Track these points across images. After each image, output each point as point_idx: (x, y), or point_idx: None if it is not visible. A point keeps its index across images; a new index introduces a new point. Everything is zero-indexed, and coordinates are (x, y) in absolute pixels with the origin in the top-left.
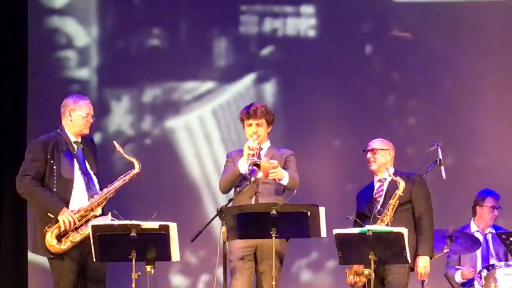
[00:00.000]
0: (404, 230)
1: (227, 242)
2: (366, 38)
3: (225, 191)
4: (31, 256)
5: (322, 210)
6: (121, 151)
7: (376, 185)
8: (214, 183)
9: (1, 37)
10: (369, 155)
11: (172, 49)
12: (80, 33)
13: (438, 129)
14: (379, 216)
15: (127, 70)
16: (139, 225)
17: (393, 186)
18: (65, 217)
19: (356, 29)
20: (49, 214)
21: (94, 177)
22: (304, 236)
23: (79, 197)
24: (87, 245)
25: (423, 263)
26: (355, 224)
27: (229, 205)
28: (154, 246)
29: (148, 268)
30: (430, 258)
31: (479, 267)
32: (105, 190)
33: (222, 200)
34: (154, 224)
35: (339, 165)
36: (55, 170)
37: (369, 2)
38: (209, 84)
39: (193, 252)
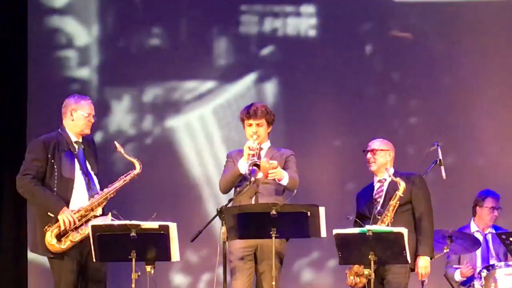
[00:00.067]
0: (404, 230)
1: (227, 242)
2: (366, 38)
3: (225, 191)
4: (31, 255)
5: (322, 210)
6: (122, 151)
7: (376, 185)
8: (215, 183)
9: (1, 37)
10: (369, 155)
11: (172, 49)
12: (81, 32)
13: (438, 129)
14: (379, 217)
15: (128, 70)
16: (139, 225)
17: (393, 186)
18: (65, 217)
19: (356, 29)
20: (49, 213)
21: (94, 177)
22: (304, 236)
23: (80, 197)
24: (87, 245)
25: (423, 263)
26: (355, 224)
27: (229, 205)
28: (154, 246)
29: (148, 268)
30: (431, 259)
31: (479, 267)
32: (105, 190)
33: (223, 199)
34: (154, 224)
35: (339, 165)
36: (55, 170)
37: (369, 2)
38: (209, 84)
39: (194, 251)
